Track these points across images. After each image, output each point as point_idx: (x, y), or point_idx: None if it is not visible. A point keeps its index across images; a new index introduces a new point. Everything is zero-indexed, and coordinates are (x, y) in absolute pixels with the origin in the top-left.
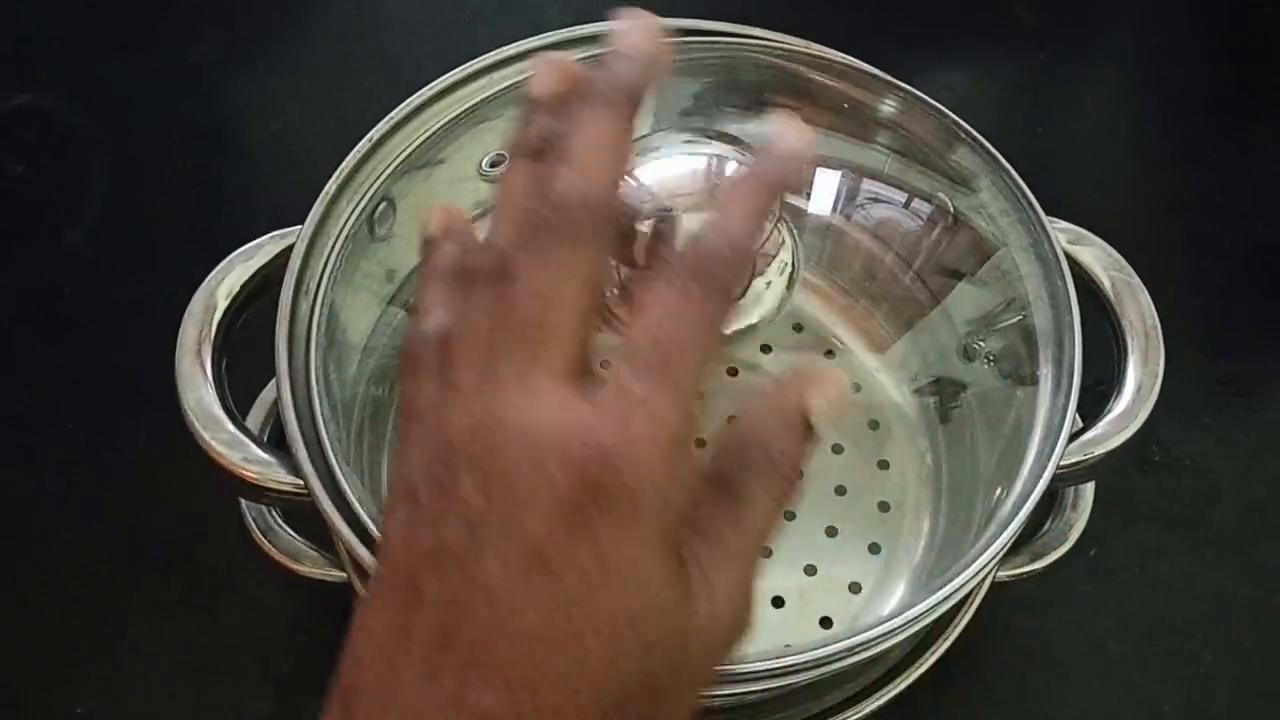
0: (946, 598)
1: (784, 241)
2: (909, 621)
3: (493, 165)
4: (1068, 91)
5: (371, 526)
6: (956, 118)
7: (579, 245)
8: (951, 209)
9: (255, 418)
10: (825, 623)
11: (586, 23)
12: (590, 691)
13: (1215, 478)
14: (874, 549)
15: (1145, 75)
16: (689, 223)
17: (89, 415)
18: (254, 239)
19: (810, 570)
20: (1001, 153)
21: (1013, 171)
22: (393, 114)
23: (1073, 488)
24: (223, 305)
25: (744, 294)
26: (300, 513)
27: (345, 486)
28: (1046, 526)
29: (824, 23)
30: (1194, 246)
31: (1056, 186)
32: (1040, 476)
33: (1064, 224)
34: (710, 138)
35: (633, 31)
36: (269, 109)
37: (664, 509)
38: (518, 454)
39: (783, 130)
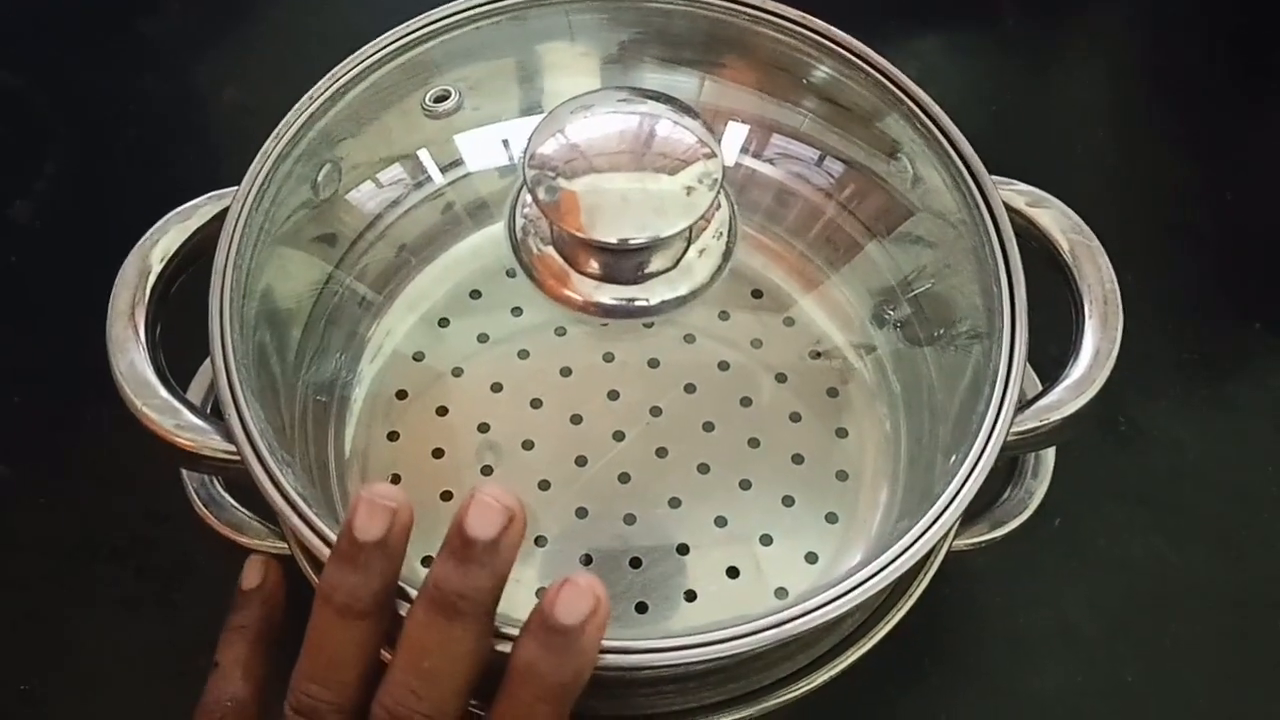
0: (898, 563)
1: (719, 207)
2: (857, 587)
3: (437, 100)
4: (1038, 62)
5: (295, 496)
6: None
7: None
8: (910, 168)
9: (200, 387)
10: (781, 593)
11: None
12: None
13: (1184, 451)
14: (831, 519)
15: (1121, 48)
16: (618, 183)
17: (37, 392)
18: None
19: (766, 541)
20: (964, 121)
21: (956, 133)
22: (336, 70)
23: (1033, 455)
24: (157, 268)
25: (675, 264)
26: (245, 484)
27: (271, 454)
28: (1006, 494)
29: None
30: (1165, 220)
31: (1021, 155)
32: (990, 441)
33: (1022, 185)
34: (647, 97)
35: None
36: (225, 78)
37: None
38: None
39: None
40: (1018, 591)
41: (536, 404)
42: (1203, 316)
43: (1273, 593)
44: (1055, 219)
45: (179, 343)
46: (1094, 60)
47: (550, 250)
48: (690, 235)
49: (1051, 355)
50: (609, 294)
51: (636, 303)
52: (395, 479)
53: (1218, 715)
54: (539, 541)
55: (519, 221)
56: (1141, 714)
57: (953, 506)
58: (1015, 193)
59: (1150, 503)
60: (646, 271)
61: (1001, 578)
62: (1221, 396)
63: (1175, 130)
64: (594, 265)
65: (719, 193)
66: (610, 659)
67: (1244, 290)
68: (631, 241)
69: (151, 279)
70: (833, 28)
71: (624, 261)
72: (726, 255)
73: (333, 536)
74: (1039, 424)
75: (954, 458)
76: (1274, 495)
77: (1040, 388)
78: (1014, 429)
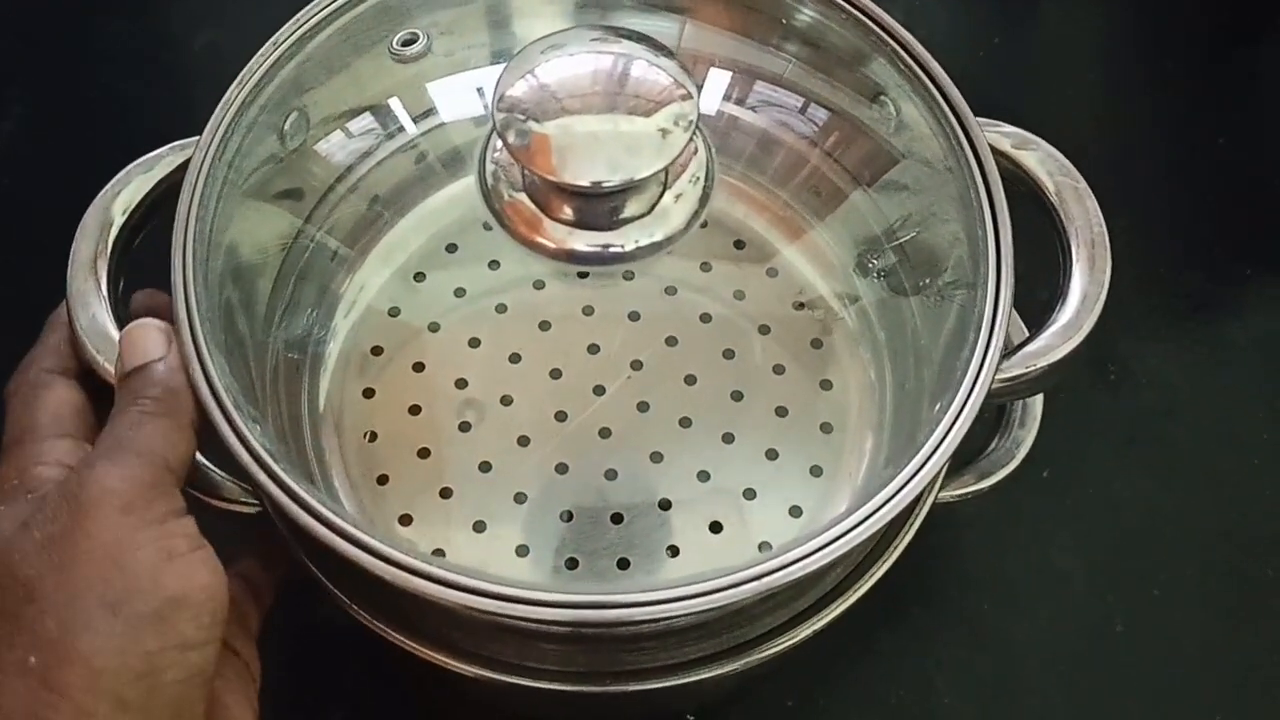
0: (881, 512)
1: (696, 150)
2: (841, 537)
3: (405, 44)
4: (1028, 2)
5: (262, 452)
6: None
7: None
8: (895, 112)
9: None
10: (764, 548)
11: None
12: None
13: (1174, 394)
14: (815, 471)
15: None
16: (591, 125)
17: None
18: None
19: (750, 494)
20: (952, 62)
21: (941, 74)
22: (301, 14)
23: (1020, 404)
24: (119, 220)
25: (651, 209)
26: (215, 443)
27: (239, 411)
28: (994, 444)
29: None
30: (1155, 162)
31: (1011, 96)
32: (975, 388)
33: (1009, 128)
34: (621, 36)
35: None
36: (195, 23)
37: None
38: None
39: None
40: (1005, 538)
41: (515, 359)
42: (1193, 259)
43: (1261, 536)
44: (1042, 161)
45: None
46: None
47: (522, 197)
48: (666, 179)
49: (1040, 300)
50: (583, 240)
51: (611, 249)
52: (372, 436)
53: (1204, 659)
54: (519, 498)
55: (489, 168)
56: (1129, 658)
57: (937, 454)
58: (1001, 135)
59: (1139, 446)
60: (621, 217)
61: (989, 525)
62: (1211, 339)
63: (1168, 71)
64: (567, 211)
65: (695, 134)
66: (591, 614)
67: (1235, 233)
68: (604, 185)
69: (114, 231)
70: None
71: (598, 206)
72: (703, 200)
73: (304, 495)
74: (1025, 370)
75: (939, 405)
76: (1264, 438)
77: (1027, 334)
78: (1000, 375)
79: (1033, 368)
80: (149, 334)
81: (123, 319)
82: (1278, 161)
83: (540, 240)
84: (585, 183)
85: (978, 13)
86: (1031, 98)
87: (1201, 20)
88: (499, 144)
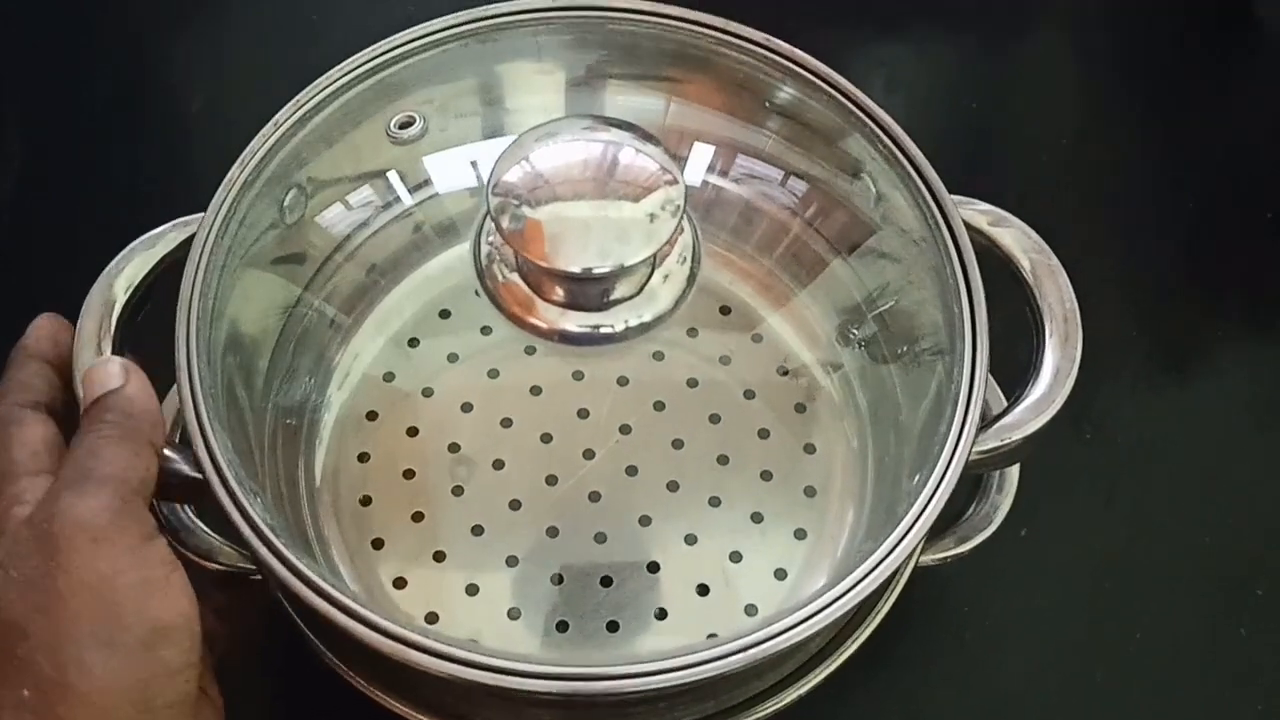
0: (863, 584)
1: (683, 231)
2: (826, 608)
3: (402, 127)
4: (1004, 67)
5: (261, 524)
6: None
7: None
8: (873, 186)
9: (167, 412)
10: (750, 610)
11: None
12: None
13: (1149, 450)
14: (800, 534)
15: (1084, 52)
16: (582, 211)
17: None
18: None
19: (735, 557)
20: (931, 126)
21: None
22: (301, 95)
23: (997, 471)
24: (122, 298)
25: (640, 289)
26: (214, 510)
27: (239, 483)
28: (972, 509)
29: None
30: (1127, 224)
31: (988, 158)
32: (951, 465)
33: (984, 205)
34: (611, 125)
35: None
36: (191, 87)
37: None
38: None
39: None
40: (987, 595)
41: (507, 423)
42: (1168, 315)
43: (1238, 589)
44: (1017, 238)
45: (145, 363)
46: (1058, 60)
47: (515, 277)
48: (654, 260)
49: (1019, 361)
50: (574, 321)
51: (602, 330)
52: (367, 500)
53: (1182, 708)
54: (510, 561)
55: (484, 249)
56: (1110, 708)
57: (916, 528)
58: (977, 212)
59: (1116, 503)
60: (611, 298)
61: (970, 585)
62: (1185, 395)
63: (1139, 131)
64: (559, 293)
65: (682, 219)
66: (581, 685)
67: (1207, 290)
68: (595, 270)
69: (117, 308)
70: (795, 49)
71: (589, 289)
72: (690, 280)
73: (301, 567)
74: (1001, 443)
75: (917, 477)
76: (1239, 492)
77: (1005, 402)
78: (976, 448)
79: (1008, 440)
80: (107, 369)
81: None
82: (1245, 220)
83: (533, 321)
84: (576, 269)
85: (955, 78)
86: (1008, 159)
87: (1175, 82)
88: (493, 226)
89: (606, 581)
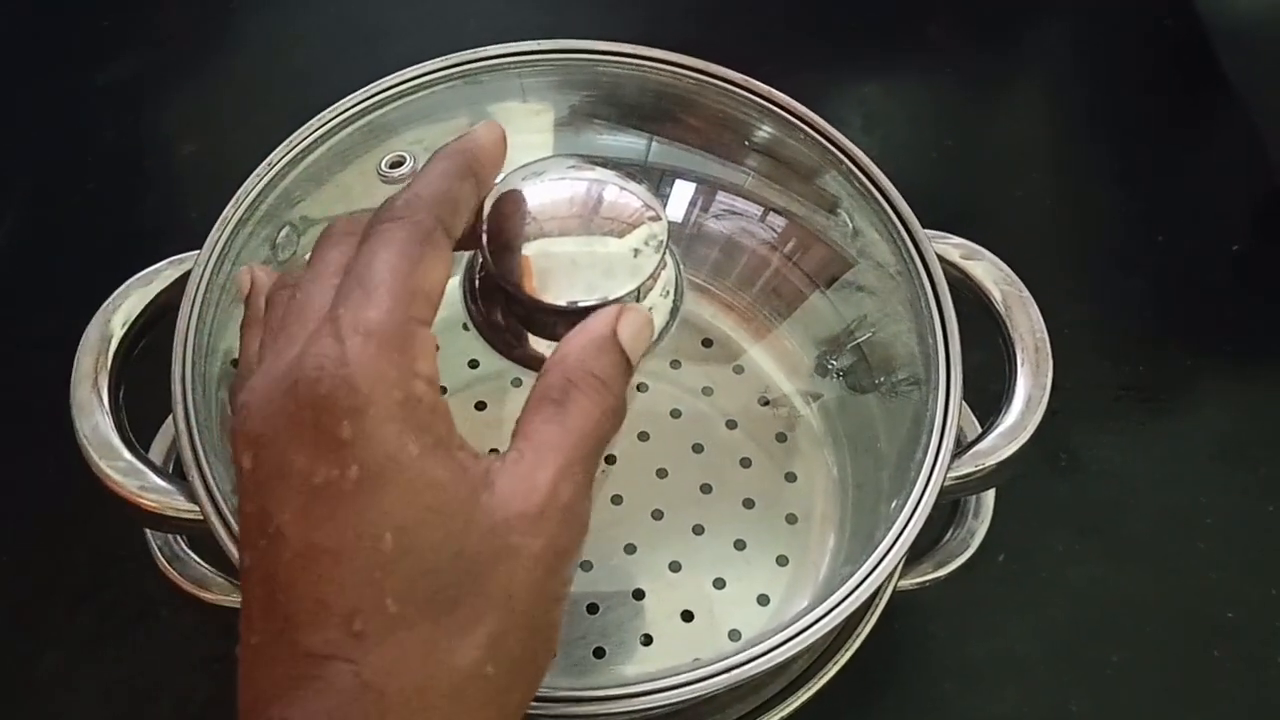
0: (842, 606)
1: (665, 266)
2: (805, 630)
3: (393, 166)
4: (979, 105)
5: None
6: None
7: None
8: (850, 222)
9: (161, 446)
10: (734, 635)
11: (502, 40)
12: (400, 592)
13: (1122, 481)
14: (782, 561)
15: (1057, 90)
16: (568, 247)
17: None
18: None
19: (719, 584)
20: (907, 163)
21: (891, 190)
22: (293, 137)
23: (974, 496)
24: (119, 334)
25: None
26: (208, 540)
27: (235, 514)
28: (949, 535)
29: (749, 38)
30: (1100, 258)
31: (963, 194)
32: (927, 489)
33: (957, 239)
34: (596, 164)
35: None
36: (184, 131)
37: (402, 404)
38: (277, 403)
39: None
40: (965, 622)
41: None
42: (1141, 351)
43: (1210, 619)
44: (988, 271)
45: (142, 395)
46: (1031, 102)
47: (502, 312)
48: (639, 295)
49: (994, 391)
50: None
51: None
52: None
53: None
54: None
55: (472, 283)
56: None
57: (893, 552)
58: (950, 246)
59: (1090, 533)
60: None
61: (949, 610)
62: (1158, 428)
63: (1110, 168)
64: (546, 326)
65: (665, 254)
66: (568, 708)
67: (1180, 326)
68: (581, 304)
69: (114, 344)
70: (773, 89)
71: (575, 322)
72: (674, 313)
73: None
74: (975, 469)
75: (895, 502)
76: (1209, 524)
77: (980, 429)
78: (951, 474)
79: (981, 466)
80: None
81: (122, 426)
82: (1218, 256)
83: (520, 354)
84: (563, 303)
85: (931, 117)
86: (982, 197)
87: (1148, 119)
88: (481, 261)
89: (593, 608)
